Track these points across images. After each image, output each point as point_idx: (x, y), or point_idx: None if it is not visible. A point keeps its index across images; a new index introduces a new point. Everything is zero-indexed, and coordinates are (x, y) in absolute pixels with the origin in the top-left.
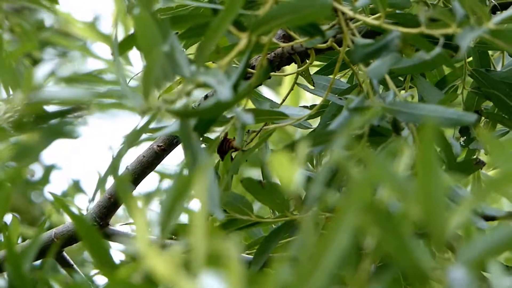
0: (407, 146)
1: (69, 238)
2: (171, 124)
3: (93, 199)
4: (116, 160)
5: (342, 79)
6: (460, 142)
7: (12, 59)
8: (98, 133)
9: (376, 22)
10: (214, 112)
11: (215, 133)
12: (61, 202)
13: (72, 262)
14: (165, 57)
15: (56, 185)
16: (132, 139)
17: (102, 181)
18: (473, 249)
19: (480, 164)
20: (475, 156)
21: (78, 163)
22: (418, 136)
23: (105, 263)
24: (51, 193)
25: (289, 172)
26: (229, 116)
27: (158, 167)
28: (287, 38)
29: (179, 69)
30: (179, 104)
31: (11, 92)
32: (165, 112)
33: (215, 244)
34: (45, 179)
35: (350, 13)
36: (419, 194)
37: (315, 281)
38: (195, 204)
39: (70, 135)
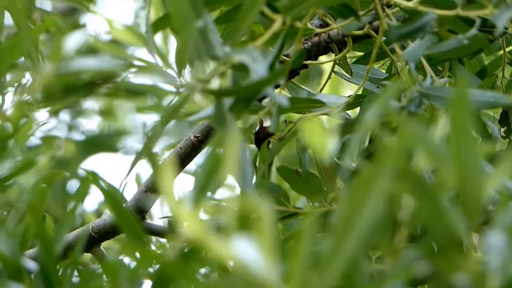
0: (442, 116)
1: (106, 232)
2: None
3: (125, 180)
4: (150, 140)
5: (380, 70)
6: (500, 133)
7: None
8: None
9: (411, 5)
10: (251, 90)
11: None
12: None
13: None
14: (198, 35)
15: (95, 195)
16: (166, 118)
17: (135, 161)
18: (510, 215)
19: None
20: None
21: (118, 173)
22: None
23: (137, 239)
24: (84, 170)
25: (321, 139)
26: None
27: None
28: (323, 27)
29: (212, 49)
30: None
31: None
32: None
33: (247, 208)
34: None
35: None
36: (454, 160)
37: (346, 249)
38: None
39: (110, 148)
